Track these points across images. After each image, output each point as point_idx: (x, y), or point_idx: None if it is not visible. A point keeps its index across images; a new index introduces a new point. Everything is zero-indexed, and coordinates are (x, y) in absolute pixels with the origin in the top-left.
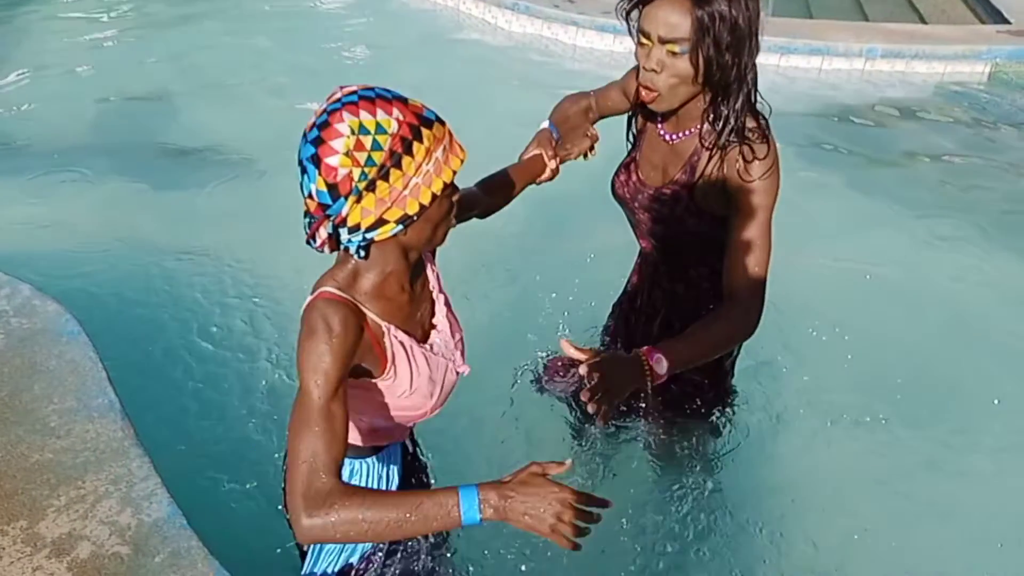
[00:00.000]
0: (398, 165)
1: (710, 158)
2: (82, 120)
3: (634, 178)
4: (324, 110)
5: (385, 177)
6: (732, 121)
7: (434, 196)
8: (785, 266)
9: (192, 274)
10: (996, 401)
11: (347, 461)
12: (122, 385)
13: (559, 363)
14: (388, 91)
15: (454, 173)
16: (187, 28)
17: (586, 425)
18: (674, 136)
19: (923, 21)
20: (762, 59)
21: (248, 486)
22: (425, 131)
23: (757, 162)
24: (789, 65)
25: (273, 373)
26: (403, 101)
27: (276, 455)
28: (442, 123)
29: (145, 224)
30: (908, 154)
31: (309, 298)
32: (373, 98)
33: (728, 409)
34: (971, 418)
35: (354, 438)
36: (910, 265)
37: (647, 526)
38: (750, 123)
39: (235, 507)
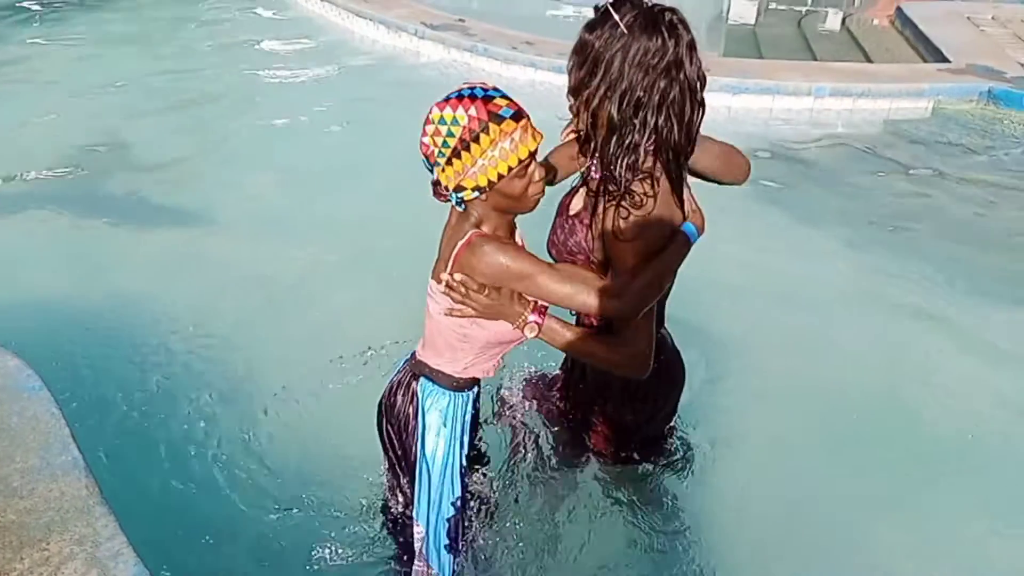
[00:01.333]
0: (468, 149)
1: (606, 202)
2: (31, 162)
3: (565, 201)
4: (436, 102)
5: (458, 156)
6: (608, 171)
7: (500, 175)
8: (729, 293)
9: (153, 322)
10: (933, 432)
11: (446, 393)
12: (85, 441)
13: (536, 381)
14: (482, 90)
15: (520, 160)
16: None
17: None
18: (593, 172)
19: (868, 59)
20: (715, 99)
21: (218, 542)
22: (493, 126)
23: (631, 221)
24: (741, 106)
25: (241, 422)
26: (487, 99)
27: (245, 509)
28: (517, 119)
29: (102, 270)
30: (856, 187)
31: (463, 241)
32: (463, 96)
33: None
34: (911, 446)
35: (464, 360)
36: (857, 299)
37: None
38: (637, 186)
39: (204, 565)
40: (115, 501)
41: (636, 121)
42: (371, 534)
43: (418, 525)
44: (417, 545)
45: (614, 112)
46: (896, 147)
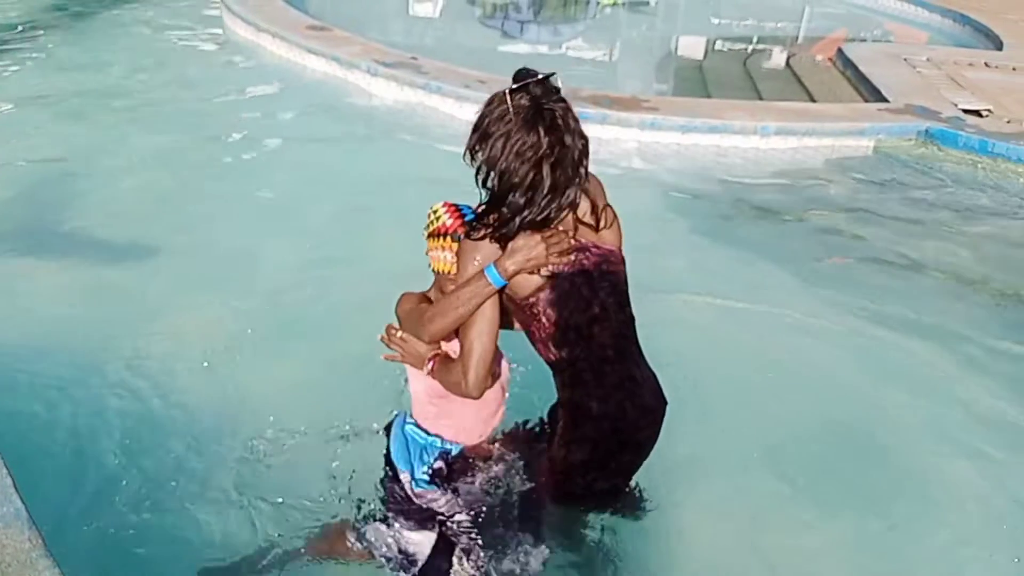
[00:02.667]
0: (435, 237)
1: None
2: None
3: None
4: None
5: (432, 237)
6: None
7: (443, 271)
8: (675, 328)
9: (98, 363)
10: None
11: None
12: (28, 491)
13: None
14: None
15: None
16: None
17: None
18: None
19: (811, 98)
20: (665, 137)
21: None
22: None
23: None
24: (690, 143)
25: (189, 465)
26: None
27: (201, 552)
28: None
29: (42, 309)
30: (800, 223)
31: None
32: (457, 208)
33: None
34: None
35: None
36: (802, 330)
37: None
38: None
39: None
40: (58, 553)
41: (509, 196)
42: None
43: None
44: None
45: (494, 186)
46: (839, 184)
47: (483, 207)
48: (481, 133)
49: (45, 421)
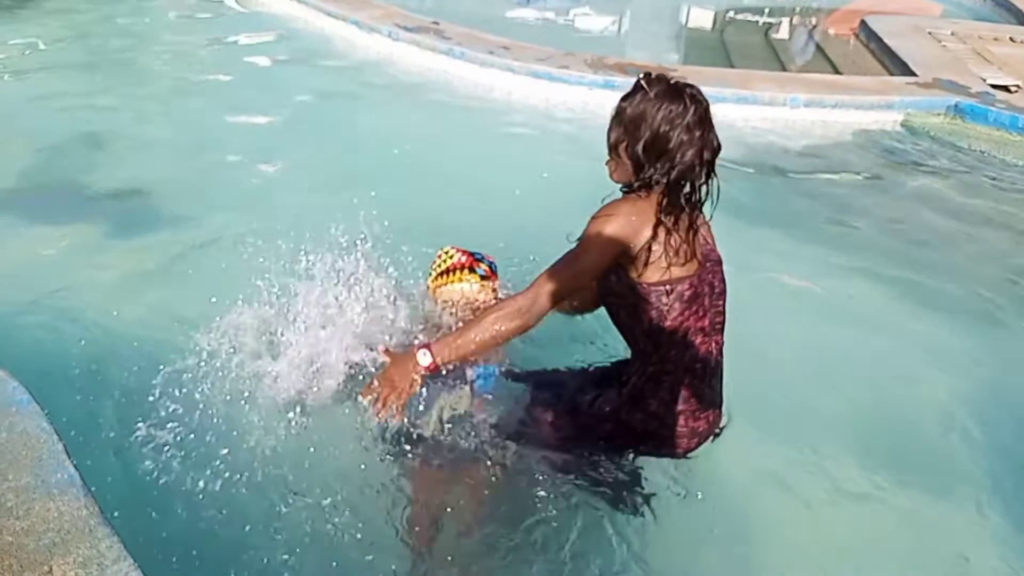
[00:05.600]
0: (443, 275)
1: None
2: (9, 168)
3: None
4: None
5: (440, 276)
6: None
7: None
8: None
9: (140, 327)
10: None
11: None
12: (80, 457)
13: None
14: (481, 255)
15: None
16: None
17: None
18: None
19: (836, 70)
20: None
21: (228, 560)
22: (467, 273)
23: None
24: (720, 113)
25: (247, 431)
26: (477, 259)
27: (257, 524)
28: (482, 279)
29: (82, 276)
30: (830, 196)
31: None
32: (467, 251)
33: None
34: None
35: None
36: (829, 304)
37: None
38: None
39: None
40: (117, 521)
41: (657, 163)
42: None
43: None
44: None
45: (640, 152)
46: (868, 158)
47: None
48: (626, 120)
49: (91, 386)
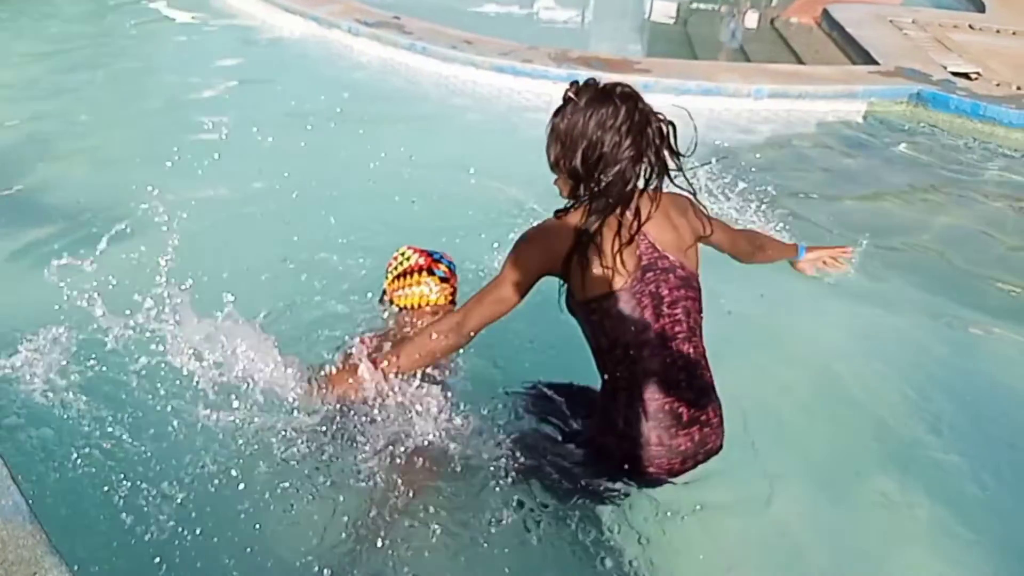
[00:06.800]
0: (402, 277)
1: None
2: None
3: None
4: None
5: (397, 278)
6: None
7: (411, 306)
8: None
9: (84, 345)
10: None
11: None
12: (27, 482)
13: None
14: (439, 255)
15: (421, 306)
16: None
17: None
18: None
19: (800, 60)
20: (659, 99)
21: None
22: (425, 275)
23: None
24: (685, 104)
25: (200, 452)
26: (436, 260)
27: (213, 550)
28: (442, 281)
29: (31, 290)
30: (796, 188)
31: None
32: (424, 251)
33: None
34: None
35: None
36: (791, 294)
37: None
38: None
39: None
40: (65, 550)
41: (596, 172)
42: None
43: None
44: None
45: (579, 164)
46: (832, 148)
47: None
48: (560, 135)
49: (43, 410)
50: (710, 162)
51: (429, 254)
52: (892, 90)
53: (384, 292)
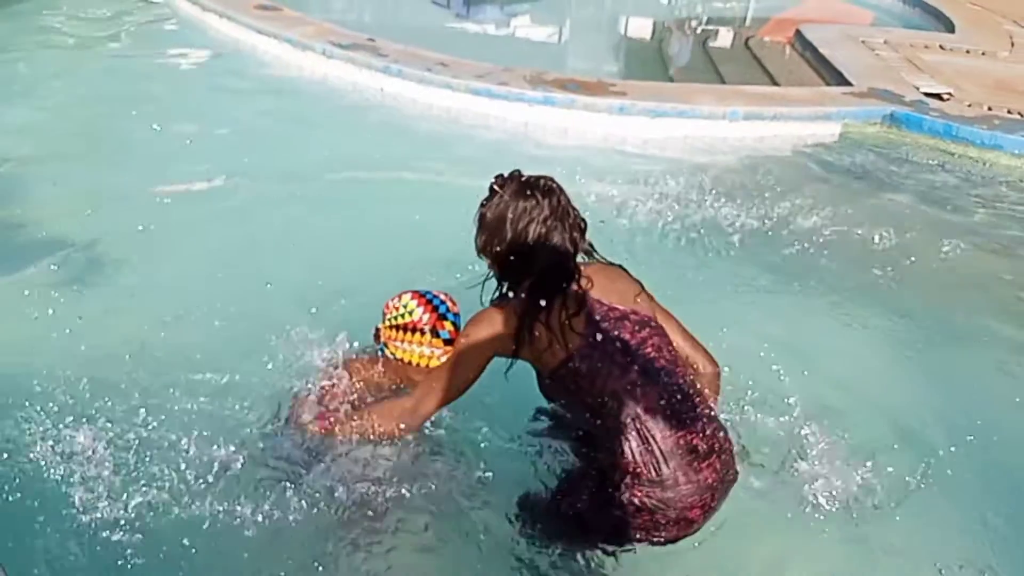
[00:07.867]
0: (403, 331)
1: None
2: None
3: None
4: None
5: (397, 330)
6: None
7: (409, 362)
8: None
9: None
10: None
11: None
12: None
13: None
14: (445, 307)
15: (420, 365)
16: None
17: None
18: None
19: (774, 81)
20: (633, 121)
21: None
22: (429, 336)
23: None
24: (658, 127)
25: (168, 496)
26: (442, 317)
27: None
28: (445, 344)
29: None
30: (770, 211)
31: None
32: (430, 302)
33: None
34: None
35: None
36: (767, 320)
37: None
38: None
39: None
40: None
41: (521, 261)
42: None
43: None
44: None
45: (505, 253)
46: (807, 170)
47: (503, 287)
48: (486, 224)
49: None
50: None
51: (434, 308)
52: (866, 111)
53: (378, 331)
